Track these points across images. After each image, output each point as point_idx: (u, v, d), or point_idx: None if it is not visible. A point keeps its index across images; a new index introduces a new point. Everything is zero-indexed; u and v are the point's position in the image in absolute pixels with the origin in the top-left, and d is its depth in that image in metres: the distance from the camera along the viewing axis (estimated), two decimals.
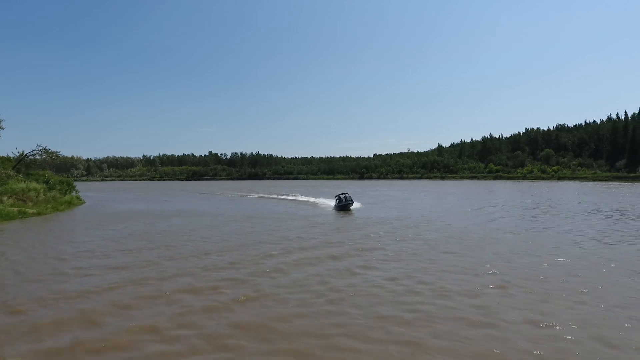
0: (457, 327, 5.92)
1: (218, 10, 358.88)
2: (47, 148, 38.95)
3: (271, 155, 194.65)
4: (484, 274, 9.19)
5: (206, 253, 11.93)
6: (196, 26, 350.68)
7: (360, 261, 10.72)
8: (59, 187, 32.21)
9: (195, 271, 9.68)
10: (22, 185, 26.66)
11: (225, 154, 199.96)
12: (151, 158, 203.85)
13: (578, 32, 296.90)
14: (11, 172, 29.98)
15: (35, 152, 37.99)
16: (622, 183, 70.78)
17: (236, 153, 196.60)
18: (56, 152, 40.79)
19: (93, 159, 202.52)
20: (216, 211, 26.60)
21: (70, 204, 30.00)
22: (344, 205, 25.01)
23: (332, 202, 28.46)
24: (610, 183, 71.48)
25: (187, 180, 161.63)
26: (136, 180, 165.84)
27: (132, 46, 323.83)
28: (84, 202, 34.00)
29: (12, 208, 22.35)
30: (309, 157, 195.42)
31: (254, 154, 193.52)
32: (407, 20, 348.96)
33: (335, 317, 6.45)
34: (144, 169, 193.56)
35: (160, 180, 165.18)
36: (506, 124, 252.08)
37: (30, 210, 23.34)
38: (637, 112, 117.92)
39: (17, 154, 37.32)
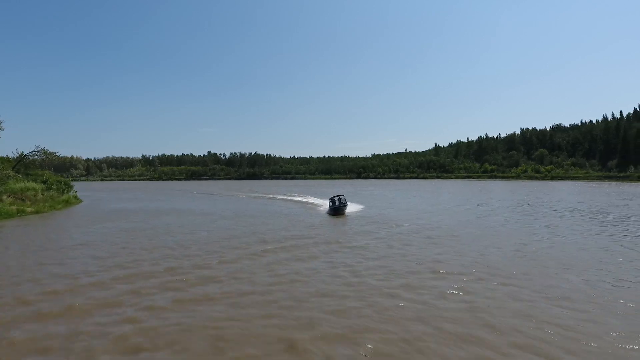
0: (364, 304, 7.19)
1: (218, 10, 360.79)
2: (45, 149, 40.36)
3: (269, 155, 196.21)
4: (420, 262, 10.44)
5: (185, 246, 13.18)
6: (196, 26, 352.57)
7: (313, 252, 11.98)
8: (56, 187, 33.51)
9: (169, 259, 10.94)
10: (21, 185, 27.94)
11: (224, 154, 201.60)
12: (150, 158, 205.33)
13: (578, 32, 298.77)
14: (11, 173, 31.21)
15: (34, 152, 39.33)
16: (612, 183, 71.99)
17: (235, 153, 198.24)
18: (55, 152, 42.14)
19: (92, 159, 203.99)
20: (208, 210, 27.87)
21: (67, 203, 31.26)
22: (337, 208, 23.00)
23: (326, 203, 28.23)
24: (601, 183, 72.68)
25: (185, 180, 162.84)
26: (135, 180, 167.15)
27: (132, 46, 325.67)
28: (81, 202, 35.27)
29: (11, 207, 23.63)
30: (308, 157, 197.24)
31: (253, 154, 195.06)
32: (407, 20, 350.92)
33: (268, 295, 7.72)
34: (143, 169, 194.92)
35: (160, 180, 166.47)
36: (506, 124, 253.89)
37: (29, 209, 24.62)
38: (631, 112, 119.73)
39: (17, 155, 38.71)
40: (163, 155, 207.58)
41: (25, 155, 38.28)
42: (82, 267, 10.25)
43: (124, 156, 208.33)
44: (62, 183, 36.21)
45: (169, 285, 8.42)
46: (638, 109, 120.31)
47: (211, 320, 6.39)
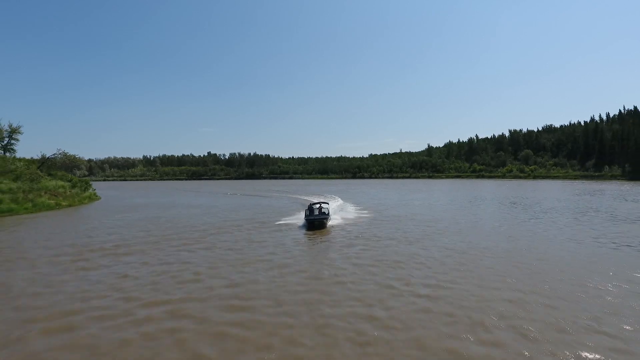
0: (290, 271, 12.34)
1: (218, 11, 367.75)
2: (65, 152, 45.70)
3: (268, 155, 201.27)
4: (354, 236, 15.59)
5: (185, 227, 18.31)
6: (196, 26, 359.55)
7: (265, 232, 17.13)
8: (79, 186, 38.57)
9: (180, 228, 16.06)
10: (53, 183, 33.03)
11: (224, 154, 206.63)
12: (151, 158, 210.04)
13: (578, 33, 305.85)
14: (40, 173, 36.29)
15: (56, 155, 44.57)
16: (585, 182, 77.14)
17: (234, 153, 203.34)
18: (74, 155, 47.44)
19: (94, 159, 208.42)
20: (209, 205, 32.99)
21: (90, 199, 36.36)
22: (313, 221, 16.66)
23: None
24: (574, 181, 77.82)
25: (186, 180, 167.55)
26: (137, 180, 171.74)
27: (132, 46, 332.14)
28: (99, 198, 40.34)
29: (51, 201, 28.73)
30: (306, 157, 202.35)
31: (252, 154, 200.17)
32: (407, 21, 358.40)
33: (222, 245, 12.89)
34: (144, 169, 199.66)
35: (161, 180, 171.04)
36: (505, 124, 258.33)
37: (63, 203, 29.75)
38: (616, 114, 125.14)
39: (40, 156, 43.85)
40: (164, 155, 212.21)
41: (48, 157, 43.48)
42: (123, 232, 15.39)
43: (125, 157, 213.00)
44: (83, 182, 41.23)
45: (178, 237, 13.59)
46: (623, 111, 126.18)
47: (204, 256, 11.58)
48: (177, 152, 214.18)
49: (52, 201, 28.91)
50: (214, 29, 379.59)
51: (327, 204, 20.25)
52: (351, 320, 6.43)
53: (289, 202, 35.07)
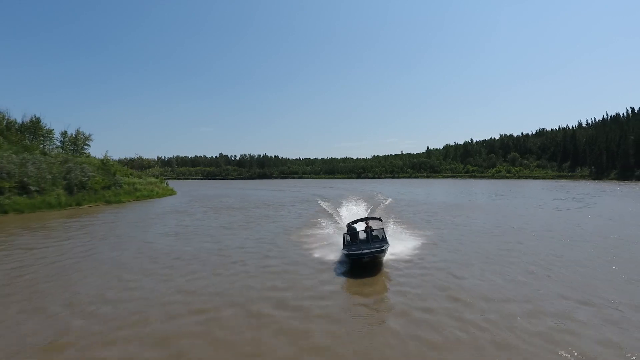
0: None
1: (218, 11, 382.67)
2: (141, 156, 59.92)
3: (277, 156, 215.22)
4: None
5: (272, 201, 31.71)
6: (196, 26, 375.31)
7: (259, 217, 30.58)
8: (162, 181, 52.27)
9: (261, 202, 29.44)
10: (152, 179, 46.67)
11: (235, 156, 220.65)
12: (166, 159, 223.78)
13: (577, 33, 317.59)
14: (139, 173, 49.92)
15: (134, 159, 58.55)
16: (559, 181, 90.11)
17: (245, 155, 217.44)
18: (147, 158, 61.38)
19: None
20: (267, 194, 46.49)
21: (172, 191, 49.95)
22: (360, 256, 9.76)
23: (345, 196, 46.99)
24: (549, 180, 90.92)
25: (202, 179, 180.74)
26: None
27: (132, 46, 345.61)
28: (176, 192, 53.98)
29: (160, 190, 42.34)
30: (312, 158, 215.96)
31: (262, 155, 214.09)
32: (407, 21, 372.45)
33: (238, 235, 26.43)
34: (162, 169, 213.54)
35: (178, 179, 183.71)
36: (502, 125, 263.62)
37: (166, 192, 43.35)
38: (599, 119, 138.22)
39: (122, 159, 57.57)
40: (178, 156, 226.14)
41: (130, 160, 57.38)
42: (232, 201, 28.93)
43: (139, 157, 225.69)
44: (162, 179, 55.03)
45: (273, 203, 27.10)
46: (606, 117, 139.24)
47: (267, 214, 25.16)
48: (176, 152, 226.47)
49: (160, 191, 42.53)
50: (213, 29, 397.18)
51: (381, 220, 13.24)
52: None
53: (321, 192, 48.56)
